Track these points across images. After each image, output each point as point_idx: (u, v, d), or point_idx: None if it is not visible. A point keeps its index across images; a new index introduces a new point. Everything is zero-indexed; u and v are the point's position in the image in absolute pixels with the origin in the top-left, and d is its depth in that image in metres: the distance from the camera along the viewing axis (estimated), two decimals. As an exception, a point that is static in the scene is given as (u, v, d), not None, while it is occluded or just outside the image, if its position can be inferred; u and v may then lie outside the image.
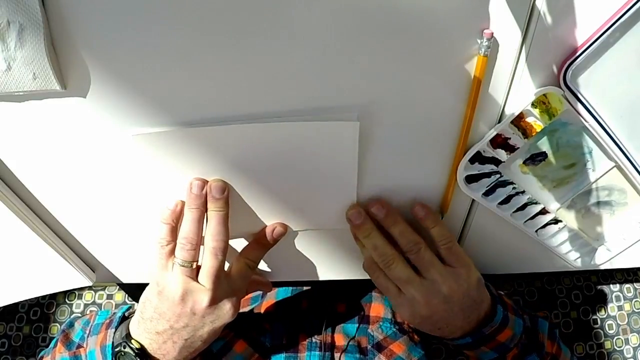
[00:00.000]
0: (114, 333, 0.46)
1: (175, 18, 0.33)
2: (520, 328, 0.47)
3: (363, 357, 0.50)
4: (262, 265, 0.53)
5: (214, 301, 0.42)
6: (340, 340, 0.52)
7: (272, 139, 0.40)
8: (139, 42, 0.34)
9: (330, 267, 0.54)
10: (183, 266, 0.41)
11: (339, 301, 0.56)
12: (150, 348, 0.43)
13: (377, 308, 0.55)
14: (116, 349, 0.44)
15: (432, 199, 0.47)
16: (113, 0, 0.32)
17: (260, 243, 0.47)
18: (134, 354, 0.43)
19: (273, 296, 0.58)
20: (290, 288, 0.59)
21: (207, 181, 0.42)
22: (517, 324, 0.47)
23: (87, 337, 0.49)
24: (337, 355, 0.50)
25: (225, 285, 0.43)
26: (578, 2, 0.35)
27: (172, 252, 0.42)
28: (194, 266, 0.42)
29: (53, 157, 0.41)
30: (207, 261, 0.42)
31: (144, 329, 0.43)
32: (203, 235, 0.43)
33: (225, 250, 0.42)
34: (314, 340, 0.51)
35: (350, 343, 0.51)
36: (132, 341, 0.43)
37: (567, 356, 0.52)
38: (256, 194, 0.44)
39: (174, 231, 0.43)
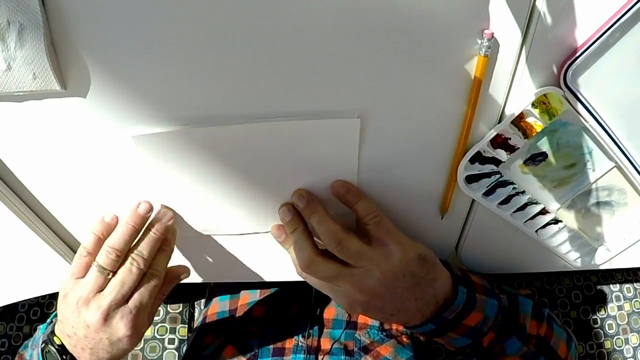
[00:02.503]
0: (42, 339, 0.45)
1: (176, 18, 0.33)
2: (494, 309, 0.44)
3: (349, 358, 0.50)
4: (254, 266, 0.53)
5: (106, 316, 0.41)
6: (326, 344, 0.52)
7: (272, 138, 0.40)
8: (139, 42, 0.34)
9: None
10: (99, 272, 0.41)
11: (327, 306, 0.56)
12: (69, 348, 0.43)
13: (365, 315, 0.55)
14: (42, 346, 0.44)
15: (432, 199, 0.47)
16: (113, 1, 0.32)
17: (161, 249, 0.45)
18: (55, 350, 0.43)
19: (260, 300, 0.58)
20: (276, 289, 0.59)
21: (152, 206, 0.43)
22: (489, 305, 0.44)
23: (32, 349, 0.49)
24: (321, 357, 0.50)
25: (123, 302, 0.42)
26: (578, 2, 0.35)
27: (88, 265, 0.42)
28: (109, 276, 0.41)
29: (53, 157, 0.41)
30: (120, 274, 0.41)
31: (58, 330, 0.44)
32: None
33: (142, 270, 0.42)
34: (300, 344, 0.51)
35: (335, 346, 0.51)
36: (55, 338, 0.43)
37: (561, 338, 0.48)
38: (256, 194, 0.44)
39: (99, 244, 0.42)
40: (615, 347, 0.80)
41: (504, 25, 0.35)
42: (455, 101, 0.39)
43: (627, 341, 0.81)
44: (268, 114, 0.38)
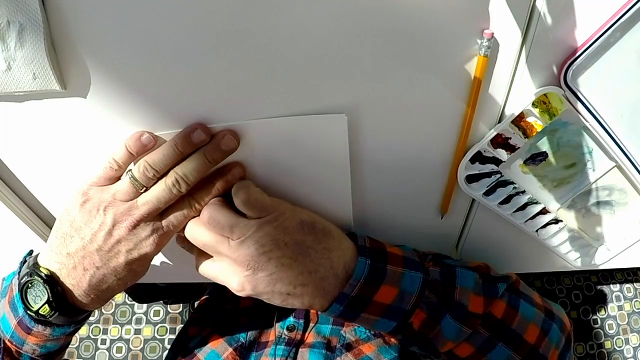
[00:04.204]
0: (18, 276, 0.40)
1: (174, 19, 0.33)
2: (415, 283, 0.39)
3: (330, 354, 0.48)
4: None
5: (137, 226, 0.37)
6: (310, 338, 0.51)
7: (263, 136, 0.39)
8: (139, 42, 0.34)
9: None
10: (132, 183, 0.37)
11: None
12: (60, 274, 0.38)
13: None
14: (22, 281, 0.38)
15: (432, 199, 0.47)
16: (113, 1, 0.32)
17: (212, 184, 0.40)
18: (42, 281, 0.38)
19: None
20: None
21: (211, 135, 0.38)
22: (408, 278, 0.39)
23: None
24: (302, 350, 0.49)
25: (157, 219, 0.39)
26: (578, 2, 0.35)
27: (115, 178, 0.39)
28: (142, 190, 0.38)
29: (53, 158, 0.41)
30: (157, 190, 0.37)
31: (56, 250, 0.39)
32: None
33: (183, 192, 0.38)
34: (283, 336, 0.51)
35: (318, 340, 0.50)
36: (40, 268, 0.39)
37: (530, 320, 0.42)
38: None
39: (130, 161, 0.38)
40: (615, 347, 0.80)
41: (504, 25, 0.35)
42: (455, 101, 0.39)
43: (627, 341, 0.81)
44: (265, 115, 0.38)
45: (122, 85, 0.36)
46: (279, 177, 0.43)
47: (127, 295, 0.78)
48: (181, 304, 0.77)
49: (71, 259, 0.38)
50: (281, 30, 0.34)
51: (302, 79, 0.37)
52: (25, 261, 0.41)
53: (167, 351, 0.75)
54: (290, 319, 0.53)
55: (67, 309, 0.39)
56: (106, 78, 0.35)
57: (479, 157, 0.43)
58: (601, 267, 0.56)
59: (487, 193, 0.46)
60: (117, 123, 0.38)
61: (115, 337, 0.76)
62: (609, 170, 0.46)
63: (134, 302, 0.77)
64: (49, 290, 0.38)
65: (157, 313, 0.77)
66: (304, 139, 0.40)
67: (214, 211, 0.38)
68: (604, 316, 0.81)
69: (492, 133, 0.41)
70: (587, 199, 0.49)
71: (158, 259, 0.51)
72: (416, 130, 0.41)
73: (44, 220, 0.47)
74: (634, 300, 0.82)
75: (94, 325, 0.76)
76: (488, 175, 0.45)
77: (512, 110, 0.40)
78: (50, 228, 0.48)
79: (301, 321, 0.52)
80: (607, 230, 0.53)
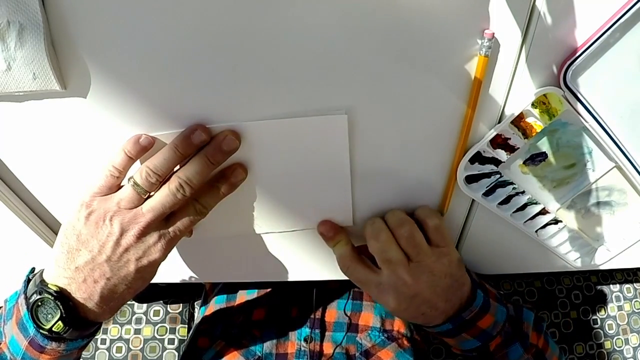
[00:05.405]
0: (25, 296, 0.39)
1: (174, 19, 0.33)
2: (503, 315, 0.46)
3: None
4: (244, 266, 0.53)
5: (144, 233, 0.38)
6: (328, 348, 0.51)
7: (263, 138, 0.39)
8: (139, 42, 0.34)
9: (311, 266, 0.53)
10: (135, 190, 0.37)
11: (329, 308, 0.56)
12: (70, 289, 0.38)
13: (366, 317, 0.55)
14: (31, 300, 0.38)
15: (432, 199, 0.47)
16: (113, 1, 0.32)
17: (216, 187, 0.40)
18: (53, 298, 0.37)
19: (260, 302, 0.58)
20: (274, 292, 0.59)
21: (211, 135, 0.38)
22: (500, 311, 0.46)
23: (3, 328, 0.42)
24: None
25: (163, 224, 0.39)
26: (578, 2, 0.35)
27: (117, 186, 0.39)
28: (145, 197, 0.38)
29: (53, 158, 0.41)
30: (161, 195, 0.37)
31: (63, 266, 0.38)
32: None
33: (187, 196, 0.38)
34: (302, 348, 0.51)
35: (337, 350, 0.51)
36: (49, 285, 0.38)
37: (555, 353, 0.51)
38: (250, 195, 0.44)
39: (130, 165, 0.38)
40: (615, 347, 0.80)
41: (504, 25, 0.35)
42: (455, 101, 0.39)
43: (627, 341, 0.81)
44: (265, 115, 0.38)
45: (122, 85, 0.36)
46: (280, 177, 0.43)
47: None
48: (181, 304, 0.77)
49: (80, 272, 0.38)
50: (281, 31, 0.34)
51: (302, 79, 0.37)
52: (29, 280, 0.41)
53: (166, 351, 0.75)
54: (306, 329, 0.52)
55: (80, 323, 0.39)
56: (106, 78, 0.35)
57: (478, 158, 0.43)
58: (601, 268, 0.56)
59: (487, 193, 0.46)
60: (117, 123, 0.38)
61: (115, 337, 0.76)
62: (609, 171, 0.46)
63: (133, 302, 0.77)
64: (61, 307, 0.37)
65: (157, 313, 0.77)
66: (304, 139, 0.40)
67: (415, 230, 0.43)
68: (604, 316, 0.81)
69: (492, 133, 0.41)
70: (587, 200, 0.49)
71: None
72: (416, 130, 0.41)
73: (43, 220, 0.47)
74: (634, 300, 0.82)
75: (93, 325, 0.76)
76: (487, 175, 0.45)
77: (511, 111, 0.40)
78: (50, 228, 0.48)
79: (317, 331, 0.52)
80: (607, 230, 0.53)
